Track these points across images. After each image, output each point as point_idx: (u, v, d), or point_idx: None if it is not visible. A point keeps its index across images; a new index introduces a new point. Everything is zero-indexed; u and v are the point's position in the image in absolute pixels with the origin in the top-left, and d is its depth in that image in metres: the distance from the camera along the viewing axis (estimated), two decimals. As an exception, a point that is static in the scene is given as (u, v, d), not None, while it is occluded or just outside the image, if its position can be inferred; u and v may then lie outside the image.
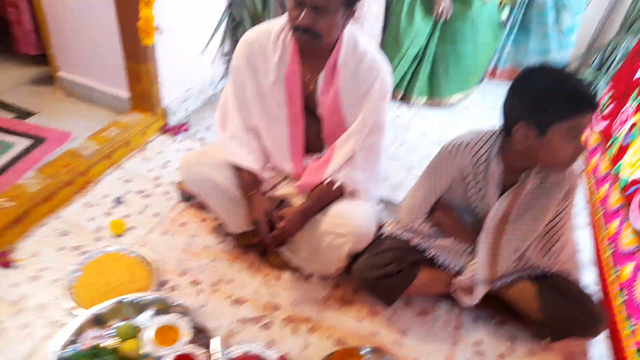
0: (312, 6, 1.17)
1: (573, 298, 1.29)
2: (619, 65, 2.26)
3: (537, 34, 2.68)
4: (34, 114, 2.19)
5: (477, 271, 1.34)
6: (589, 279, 1.66)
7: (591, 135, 1.96)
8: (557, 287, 1.31)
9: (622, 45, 2.18)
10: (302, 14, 1.18)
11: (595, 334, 1.30)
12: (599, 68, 2.28)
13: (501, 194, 1.28)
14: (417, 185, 1.41)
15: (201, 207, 1.74)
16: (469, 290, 1.39)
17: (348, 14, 1.25)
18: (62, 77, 2.31)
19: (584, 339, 1.39)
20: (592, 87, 1.12)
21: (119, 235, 1.62)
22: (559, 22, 2.62)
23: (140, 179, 1.88)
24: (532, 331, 1.45)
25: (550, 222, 1.32)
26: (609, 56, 2.24)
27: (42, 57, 2.35)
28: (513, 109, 1.16)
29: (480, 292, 1.36)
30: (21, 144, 1.97)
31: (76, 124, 2.12)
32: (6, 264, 1.45)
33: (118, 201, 1.75)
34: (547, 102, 1.09)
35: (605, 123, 1.88)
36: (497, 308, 1.46)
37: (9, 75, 2.47)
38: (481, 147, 1.25)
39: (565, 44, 2.71)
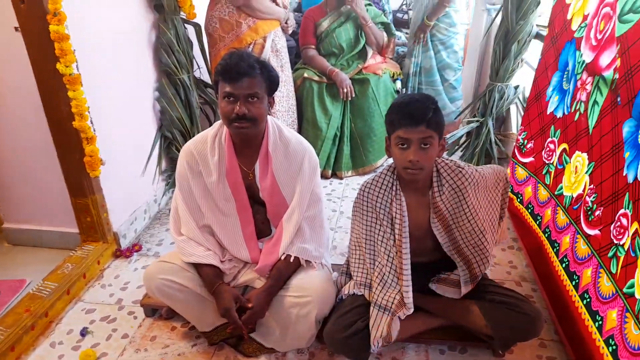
0: (245, 95, 1.40)
1: (510, 305, 1.45)
2: (501, 107, 2.68)
3: (430, 93, 3.12)
4: (-18, 272, 2.18)
5: (461, 278, 1.49)
6: (526, 293, 1.88)
7: (516, 171, 2.22)
8: (495, 299, 1.48)
9: (496, 90, 2.63)
10: (237, 105, 1.40)
11: (536, 332, 1.45)
12: (484, 113, 2.71)
13: (410, 230, 1.45)
14: (352, 240, 1.57)
15: (168, 317, 1.80)
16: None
17: (270, 103, 1.51)
18: (7, 228, 2.33)
19: (528, 340, 1.52)
20: (428, 109, 1.30)
21: (91, 366, 1.62)
22: (445, 79, 3.09)
23: (102, 307, 1.91)
24: (489, 348, 1.60)
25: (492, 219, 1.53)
26: (489, 101, 2.68)
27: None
28: None
29: (465, 290, 1.49)
30: (-26, 303, 1.95)
31: (29, 269, 2.14)
32: None
33: (83, 333, 1.76)
34: (386, 119, 1.40)
35: (529, 159, 2.09)
36: (457, 337, 1.60)
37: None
38: (384, 180, 1.49)
39: (456, 97, 3.17)
